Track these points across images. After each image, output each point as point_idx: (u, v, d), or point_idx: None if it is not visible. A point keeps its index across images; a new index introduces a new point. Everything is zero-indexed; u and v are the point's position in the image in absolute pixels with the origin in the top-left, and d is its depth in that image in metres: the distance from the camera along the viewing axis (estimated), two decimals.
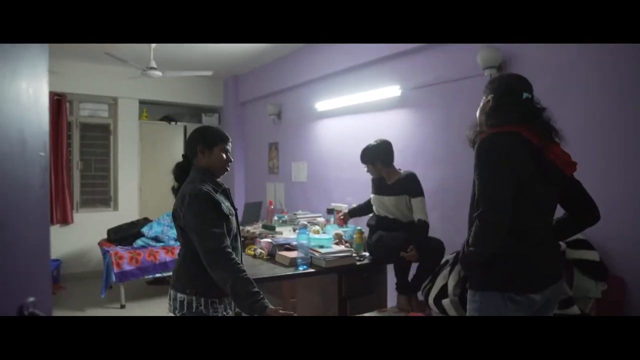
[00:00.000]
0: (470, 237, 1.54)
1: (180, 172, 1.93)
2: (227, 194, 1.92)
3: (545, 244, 1.56)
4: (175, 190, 1.92)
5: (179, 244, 4.98)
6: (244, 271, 1.73)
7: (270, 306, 1.70)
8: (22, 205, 0.79)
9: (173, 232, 4.99)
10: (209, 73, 4.74)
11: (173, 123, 6.43)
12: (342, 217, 3.38)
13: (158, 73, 4.37)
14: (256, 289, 1.72)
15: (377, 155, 2.86)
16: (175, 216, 1.87)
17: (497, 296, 1.49)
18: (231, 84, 6.33)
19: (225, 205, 1.85)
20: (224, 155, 1.87)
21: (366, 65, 4.02)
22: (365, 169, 2.95)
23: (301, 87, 5.02)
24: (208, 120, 6.61)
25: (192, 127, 6.49)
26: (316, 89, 4.76)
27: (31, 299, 0.78)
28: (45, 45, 0.86)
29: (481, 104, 1.65)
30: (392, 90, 3.72)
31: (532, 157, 1.50)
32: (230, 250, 1.75)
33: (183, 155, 1.94)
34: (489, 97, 1.61)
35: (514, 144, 1.49)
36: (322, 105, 4.58)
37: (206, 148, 1.85)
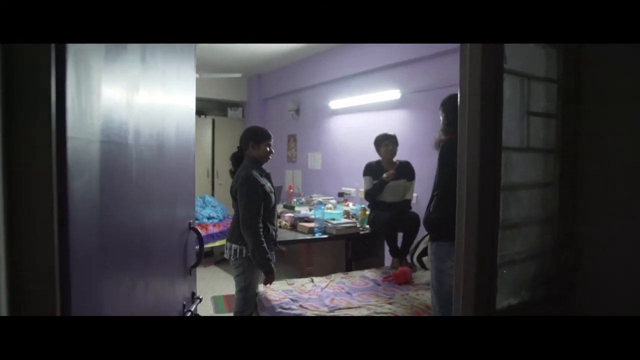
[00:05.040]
0: (432, 207, 2.34)
1: (236, 159, 2.75)
2: (269, 178, 2.73)
3: None
4: (232, 173, 2.74)
5: (210, 222, 5.84)
6: (263, 242, 2.57)
7: (273, 272, 2.64)
8: (187, 176, 1.60)
9: (206, 212, 5.84)
10: (239, 75, 5.54)
11: (202, 116, 7.25)
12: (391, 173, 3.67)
13: (196, 75, 5.17)
14: (268, 256, 2.61)
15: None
16: (231, 191, 2.70)
17: (446, 244, 2.28)
18: (255, 82, 7.11)
19: (267, 185, 2.67)
20: (268, 149, 2.68)
21: (372, 72, 4.79)
22: (386, 149, 3.70)
23: (317, 87, 5.81)
24: (233, 114, 7.43)
25: (219, 119, 7.34)
26: (330, 90, 5.54)
27: (190, 220, 1.60)
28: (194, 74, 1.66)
29: (440, 122, 2.43)
30: (393, 94, 4.49)
31: None
32: (259, 224, 2.57)
33: (238, 147, 2.75)
34: (442, 116, 2.38)
35: None
36: (334, 103, 5.37)
37: (255, 143, 2.65)
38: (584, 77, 1.38)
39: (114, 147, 0.90)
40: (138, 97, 1.05)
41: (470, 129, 1.17)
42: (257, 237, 2.55)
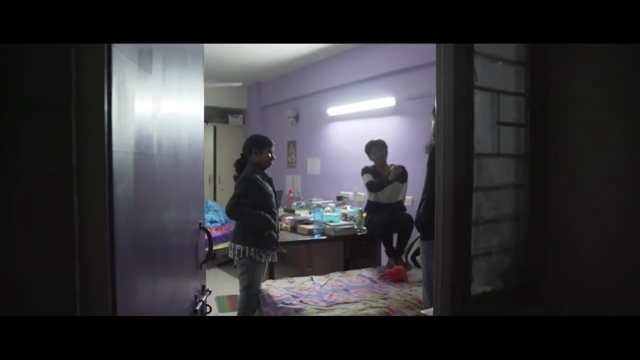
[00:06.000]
0: (421, 208, 2.52)
1: (240, 165, 2.93)
2: (271, 182, 2.92)
3: None
4: (236, 178, 2.93)
5: (213, 225, 6.03)
6: (251, 212, 2.76)
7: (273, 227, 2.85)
8: (197, 181, 1.78)
9: (208, 216, 6.02)
10: (240, 84, 5.72)
11: (205, 123, 7.43)
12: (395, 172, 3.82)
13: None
14: (263, 215, 2.78)
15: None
16: (234, 190, 2.88)
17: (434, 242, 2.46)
18: (254, 90, 7.30)
19: (268, 189, 2.85)
20: (270, 155, 2.87)
21: (368, 80, 4.98)
22: (376, 156, 3.91)
23: (315, 94, 6.00)
24: (234, 121, 7.61)
25: (220, 126, 7.53)
26: (328, 97, 5.73)
27: (200, 221, 1.78)
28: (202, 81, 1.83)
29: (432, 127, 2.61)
30: (388, 101, 4.68)
31: None
32: (241, 207, 2.76)
33: (241, 154, 2.94)
34: (434, 121, 2.56)
35: None
36: (332, 110, 5.56)
37: (258, 150, 2.84)
38: (550, 90, 1.56)
39: (143, 158, 1.08)
40: (160, 112, 1.23)
41: (445, 137, 1.35)
42: (243, 211, 2.76)
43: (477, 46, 1.40)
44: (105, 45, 0.85)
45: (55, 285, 0.80)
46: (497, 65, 1.50)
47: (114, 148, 0.86)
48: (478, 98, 1.40)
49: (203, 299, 1.69)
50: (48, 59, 0.79)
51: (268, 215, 2.79)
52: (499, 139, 1.49)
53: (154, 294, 1.22)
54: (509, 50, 1.55)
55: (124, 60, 0.94)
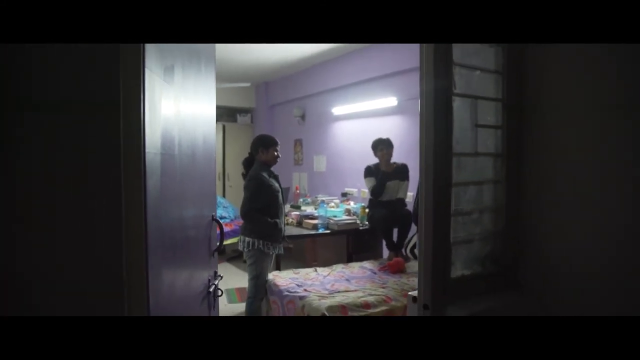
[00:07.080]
0: (416, 203, 2.71)
1: (247, 163, 3.14)
2: (277, 179, 3.13)
3: None
4: (244, 175, 3.14)
5: (222, 221, 6.23)
6: (265, 219, 3.00)
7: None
8: (210, 178, 1.98)
9: (217, 212, 6.25)
10: (247, 84, 5.92)
11: None
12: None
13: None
14: (279, 227, 3.05)
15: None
16: (244, 189, 3.09)
17: None
18: (262, 89, 7.51)
19: (275, 186, 3.06)
20: (276, 153, 3.07)
21: (371, 80, 5.17)
22: (382, 153, 4.06)
23: (321, 94, 6.20)
24: (242, 120, 7.83)
25: (229, 125, 7.75)
26: (333, 97, 5.93)
27: (213, 213, 1.98)
28: (214, 78, 2.04)
29: None
30: (391, 101, 4.86)
31: None
32: (254, 213, 3.01)
33: (249, 153, 3.15)
34: None
35: None
36: (337, 110, 5.76)
37: (265, 148, 3.05)
38: (524, 95, 1.74)
39: (167, 158, 1.28)
40: (179, 116, 1.43)
41: (426, 138, 1.54)
42: (257, 218, 2.99)
43: (457, 58, 1.58)
44: (142, 65, 1.05)
45: (103, 269, 1.00)
46: (475, 75, 1.69)
47: (147, 150, 1.07)
48: (457, 103, 1.59)
49: (216, 283, 1.91)
50: (97, 65, 0.99)
51: (278, 220, 3.03)
52: (477, 139, 1.68)
53: (175, 277, 1.43)
54: (488, 60, 1.73)
55: (153, 77, 1.15)
